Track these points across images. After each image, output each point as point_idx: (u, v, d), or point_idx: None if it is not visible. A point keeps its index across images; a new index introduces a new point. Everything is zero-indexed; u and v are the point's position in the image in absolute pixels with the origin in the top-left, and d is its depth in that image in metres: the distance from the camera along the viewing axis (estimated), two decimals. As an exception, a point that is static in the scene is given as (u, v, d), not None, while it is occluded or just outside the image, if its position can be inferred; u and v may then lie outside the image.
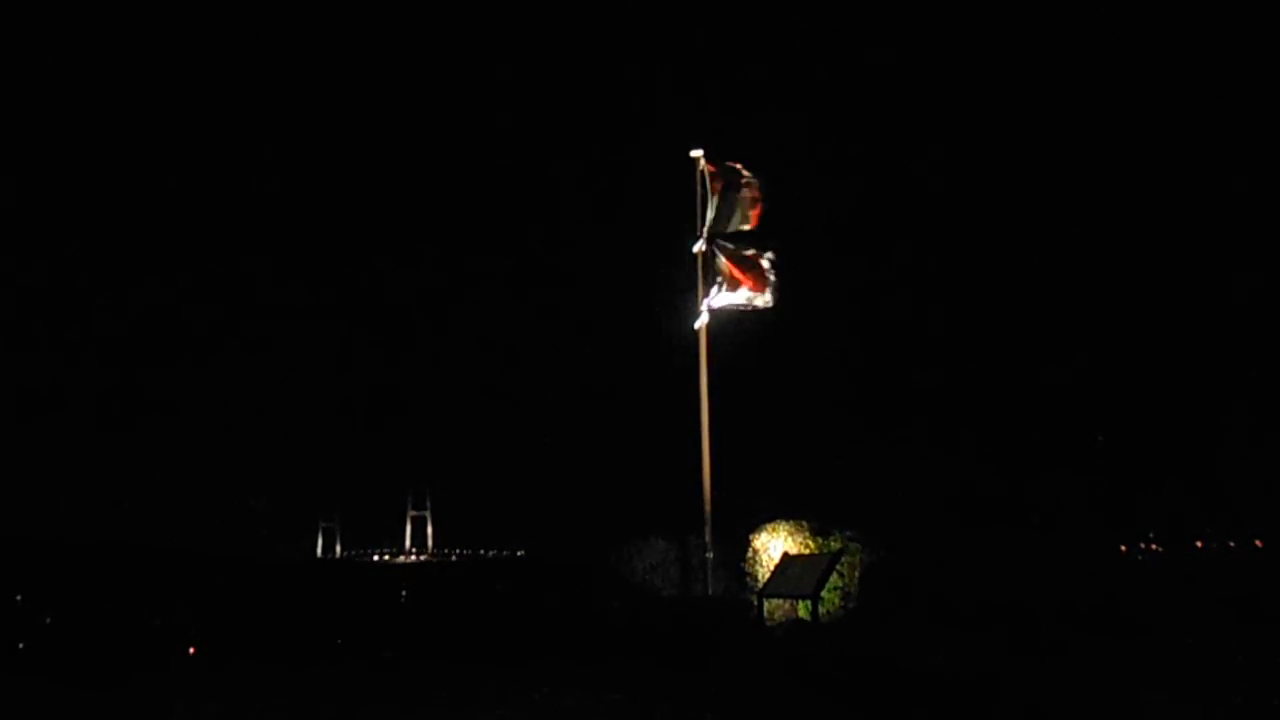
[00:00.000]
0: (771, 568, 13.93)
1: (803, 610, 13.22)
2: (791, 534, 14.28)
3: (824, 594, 12.98)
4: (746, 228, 15.33)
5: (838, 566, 13.22)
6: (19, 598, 14.82)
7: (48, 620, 13.73)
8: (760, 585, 13.91)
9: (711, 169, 15.30)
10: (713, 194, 15.18)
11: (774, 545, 14.30)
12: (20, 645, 11.94)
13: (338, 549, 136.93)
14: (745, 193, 15.25)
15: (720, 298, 15.09)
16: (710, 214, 15.18)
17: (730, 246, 15.25)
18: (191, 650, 11.80)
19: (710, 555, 14.35)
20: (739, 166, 15.34)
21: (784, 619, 13.65)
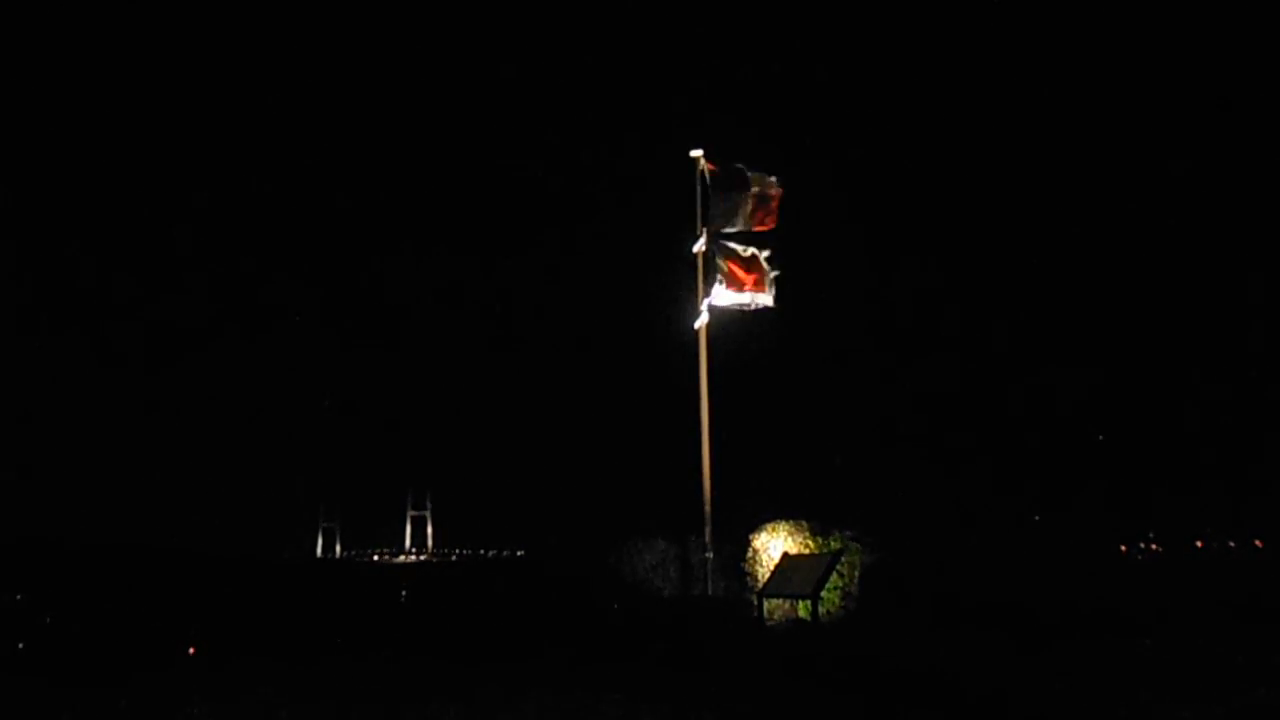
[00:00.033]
0: (771, 568, 13.92)
1: (803, 610, 13.22)
2: (791, 534, 14.28)
3: (824, 594, 12.98)
4: (760, 229, 15.31)
5: (838, 566, 13.22)
6: (19, 598, 14.82)
7: (48, 620, 13.74)
8: (760, 585, 13.91)
9: (712, 169, 15.30)
10: (713, 194, 15.17)
11: (774, 545, 14.30)
12: (20, 645, 11.93)
13: (338, 549, 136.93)
14: (752, 191, 15.24)
15: (720, 297, 15.08)
16: (710, 214, 15.17)
17: (730, 246, 15.24)
18: (191, 650, 11.80)
19: (710, 555, 14.35)
20: (742, 166, 15.33)
21: (784, 619, 13.65)
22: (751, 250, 15.27)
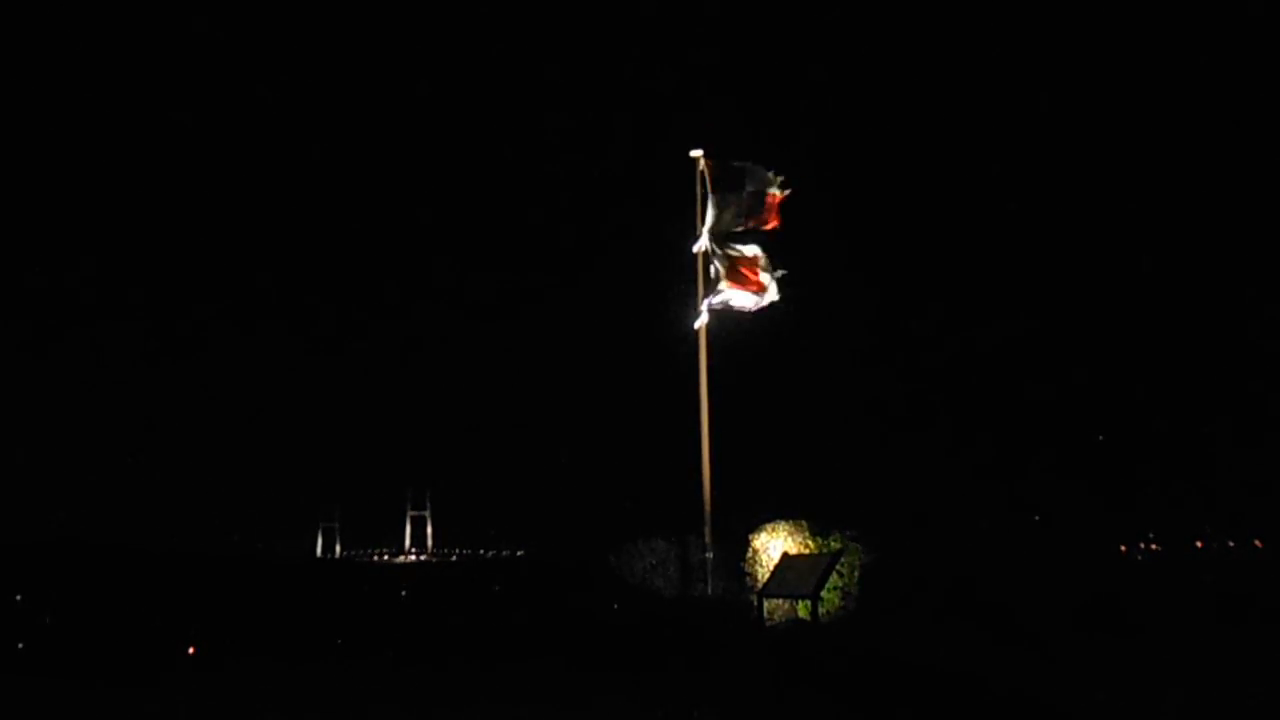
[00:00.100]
0: (771, 568, 13.91)
1: (803, 610, 13.22)
2: (791, 534, 14.27)
3: (824, 594, 12.97)
4: (762, 227, 15.30)
5: (838, 566, 13.21)
6: (19, 598, 14.82)
7: (47, 620, 13.74)
8: (760, 585, 13.90)
9: (712, 169, 15.29)
10: (713, 194, 15.17)
11: (774, 545, 14.29)
12: (20, 645, 11.92)
13: (337, 549, 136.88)
14: (751, 190, 15.23)
15: (720, 298, 15.07)
16: (710, 214, 15.16)
17: (730, 247, 15.23)
18: (191, 650, 11.79)
19: (710, 555, 14.34)
20: (745, 166, 15.32)
21: (784, 619, 13.64)
22: (752, 250, 15.26)
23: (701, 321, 15.15)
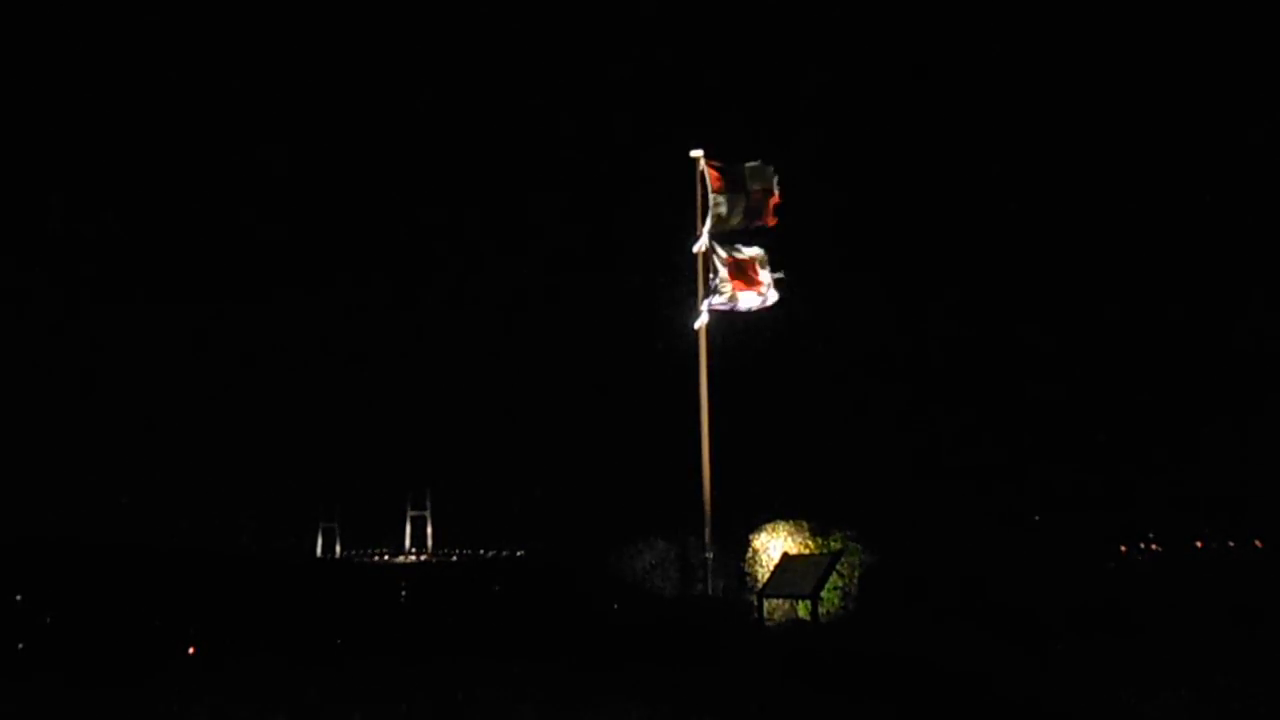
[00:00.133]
0: (771, 568, 13.92)
1: (803, 610, 13.22)
2: (791, 534, 14.28)
3: (824, 594, 12.98)
4: (759, 222, 15.30)
5: (838, 566, 13.22)
6: (19, 598, 14.80)
7: (48, 620, 13.72)
8: (760, 585, 13.91)
9: (712, 169, 15.29)
10: (713, 194, 15.17)
11: (774, 545, 14.30)
12: (20, 645, 11.92)
13: (337, 549, 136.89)
14: (750, 189, 15.23)
15: (720, 298, 15.08)
16: (710, 214, 15.17)
17: (730, 247, 15.25)
18: (191, 650, 11.79)
19: (710, 555, 14.35)
20: (743, 165, 15.32)
21: (784, 619, 13.65)
22: (752, 251, 15.27)
23: (701, 321, 15.16)
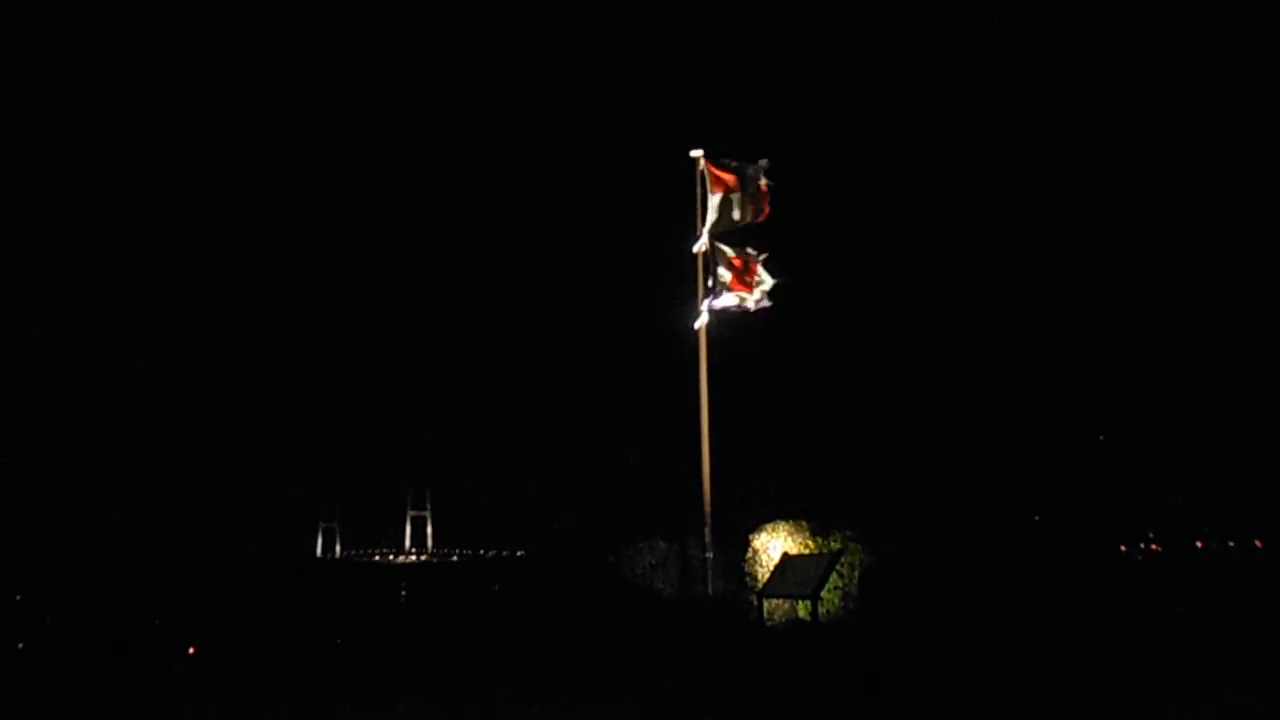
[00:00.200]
0: (771, 568, 13.92)
1: (803, 610, 13.22)
2: (791, 534, 14.27)
3: (824, 594, 12.98)
4: (757, 220, 15.29)
5: (838, 566, 13.22)
6: (19, 598, 14.82)
7: (47, 620, 13.73)
8: (760, 585, 13.90)
9: (712, 169, 15.29)
10: (713, 194, 15.17)
11: (774, 545, 14.30)
12: (20, 645, 11.92)
13: (338, 549, 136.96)
14: (746, 187, 15.23)
15: (720, 298, 15.08)
16: (710, 214, 15.16)
17: (730, 247, 15.24)
18: (191, 650, 11.79)
19: (710, 555, 14.35)
20: (744, 163, 15.31)
21: (784, 619, 13.65)
22: (753, 251, 15.28)
23: (702, 321, 15.15)
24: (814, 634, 12.34)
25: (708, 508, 14.59)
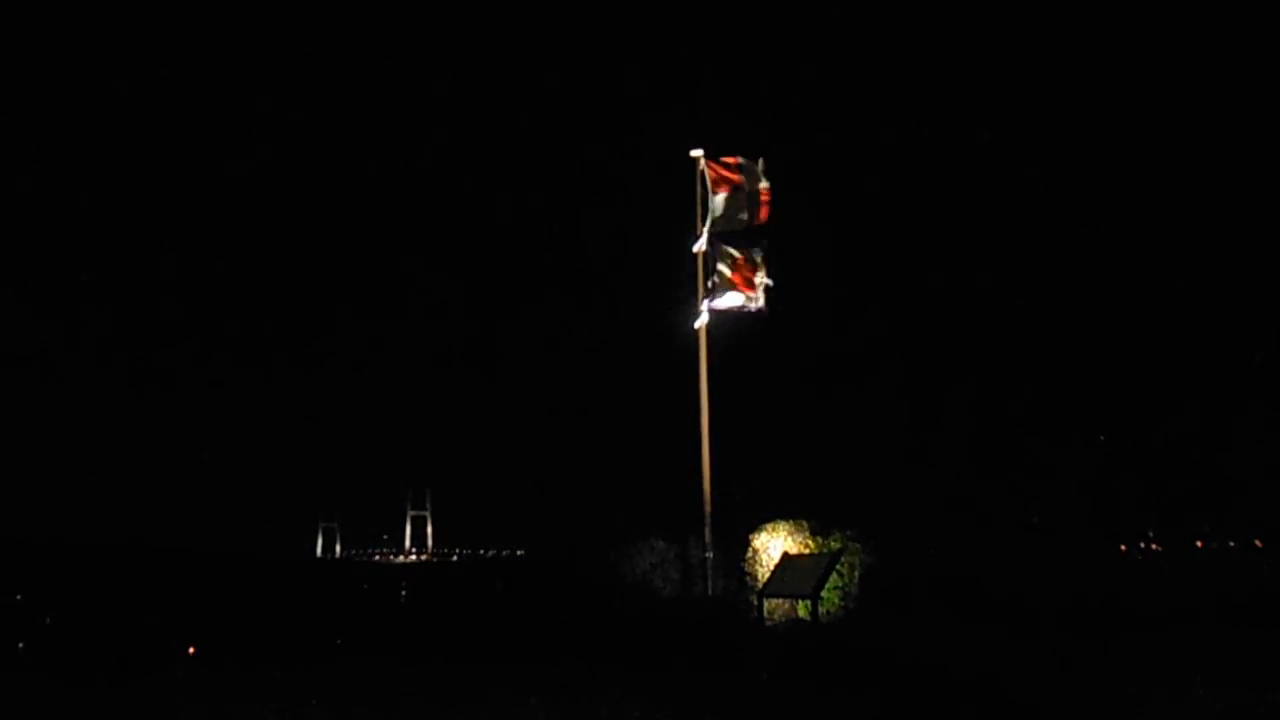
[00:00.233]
0: (771, 568, 13.92)
1: (803, 610, 13.22)
2: (791, 534, 14.27)
3: (824, 594, 12.98)
4: (755, 222, 15.28)
5: (838, 566, 13.22)
6: (19, 597, 14.83)
7: (48, 620, 13.74)
8: (760, 585, 13.91)
9: (712, 169, 15.29)
10: (713, 194, 15.17)
11: (774, 545, 14.30)
12: (20, 644, 11.93)
13: (338, 549, 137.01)
14: (746, 187, 15.22)
15: (721, 298, 15.07)
16: (710, 214, 15.16)
17: (731, 247, 15.24)
18: (191, 650, 11.80)
19: (710, 555, 14.35)
20: (742, 162, 15.29)
21: (784, 619, 13.65)
22: (753, 251, 15.27)
23: (702, 321, 15.15)
24: (814, 634, 12.34)
25: (708, 507, 14.59)
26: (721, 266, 15.08)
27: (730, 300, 15.11)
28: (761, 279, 15.10)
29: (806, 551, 13.94)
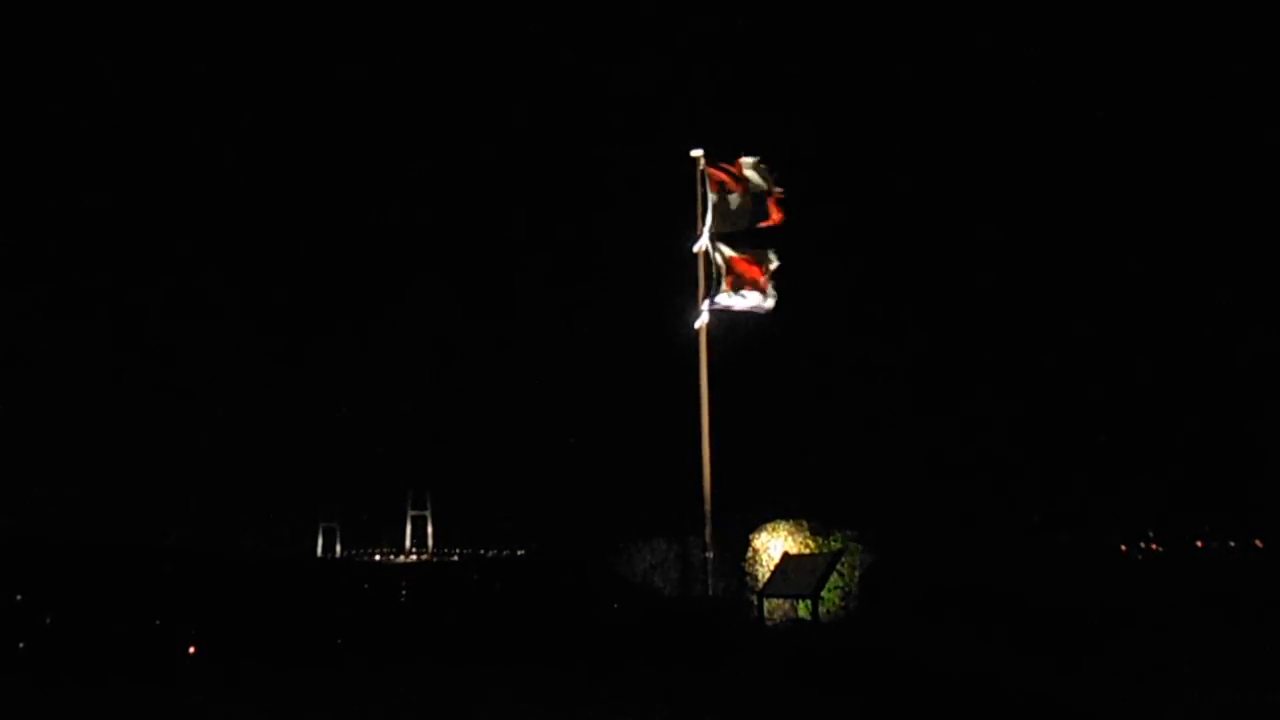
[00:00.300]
0: (771, 568, 13.92)
1: (803, 610, 13.22)
2: (791, 534, 14.27)
3: (824, 594, 12.98)
4: (766, 223, 15.27)
5: (838, 566, 13.22)
6: (19, 598, 14.81)
7: (48, 620, 13.72)
8: (760, 585, 13.91)
9: (712, 169, 15.28)
10: (713, 194, 15.16)
11: (774, 545, 14.30)
12: (20, 645, 11.93)
13: (338, 549, 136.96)
14: (750, 188, 15.21)
15: (721, 299, 15.07)
16: (711, 214, 15.15)
17: (731, 247, 15.23)
18: (192, 650, 11.80)
19: (710, 555, 14.35)
20: (745, 163, 15.29)
21: (784, 619, 13.65)
22: (755, 251, 15.25)
23: (702, 321, 15.15)
24: (814, 634, 12.34)
25: (708, 507, 14.59)
26: (723, 266, 15.06)
27: (731, 300, 15.09)
28: (768, 277, 15.09)
29: (807, 551, 13.94)
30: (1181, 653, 10.04)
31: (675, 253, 15.80)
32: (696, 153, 15.38)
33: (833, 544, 13.87)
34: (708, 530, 14.48)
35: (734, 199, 15.22)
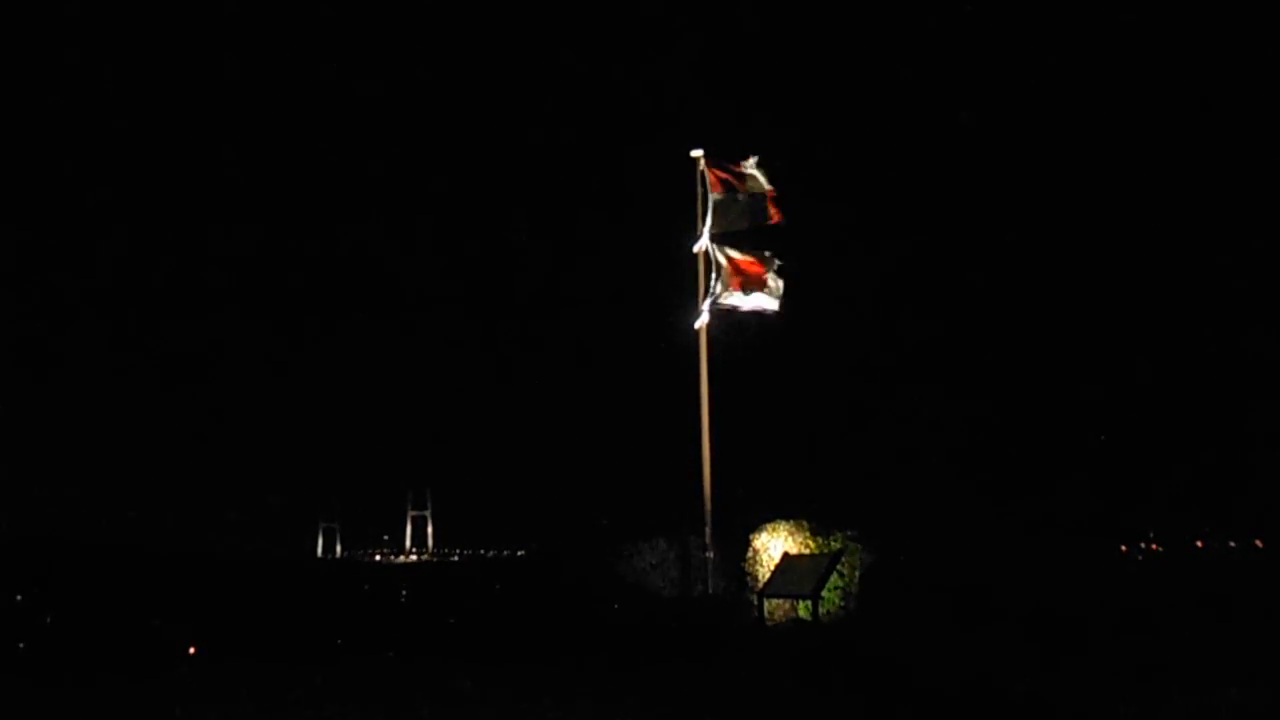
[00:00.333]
0: (771, 568, 13.93)
1: (803, 610, 13.23)
2: (791, 534, 14.28)
3: (824, 594, 12.99)
4: (766, 223, 15.28)
5: (838, 566, 13.23)
6: (19, 598, 14.81)
7: (48, 620, 13.72)
8: (760, 585, 13.91)
9: (712, 169, 15.28)
10: (713, 194, 15.16)
11: (774, 545, 14.30)
12: (20, 645, 11.93)
13: (338, 549, 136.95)
14: (749, 188, 15.21)
15: (722, 299, 15.07)
16: (711, 214, 15.16)
17: (732, 247, 15.24)
18: (192, 650, 11.80)
19: (710, 555, 14.36)
20: (745, 163, 15.29)
21: (784, 619, 13.66)
22: (755, 251, 15.26)
23: (702, 321, 15.15)
24: (814, 634, 12.35)
25: (708, 507, 14.60)
26: (723, 266, 15.07)
27: (731, 300, 15.10)
28: (770, 277, 15.10)
29: (807, 551, 13.94)
30: (1182, 653, 10.04)
31: (675, 253, 15.81)
32: (696, 153, 15.38)
33: (833, 544, 13.87)
34: (708, 530, 14.49)
35: (734, 199, 15.22)
